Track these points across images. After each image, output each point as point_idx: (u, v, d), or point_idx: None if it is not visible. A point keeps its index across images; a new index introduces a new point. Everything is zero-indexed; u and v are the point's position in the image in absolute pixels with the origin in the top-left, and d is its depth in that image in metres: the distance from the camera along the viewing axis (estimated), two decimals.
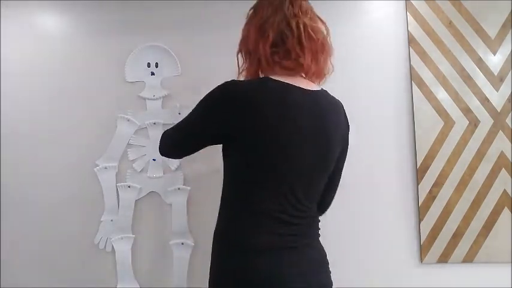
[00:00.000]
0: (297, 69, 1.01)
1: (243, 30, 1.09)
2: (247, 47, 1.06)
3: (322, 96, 1.04)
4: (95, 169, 1.53)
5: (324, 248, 1.06)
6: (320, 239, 1.06)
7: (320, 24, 1.06)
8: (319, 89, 1.06)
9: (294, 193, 0.97)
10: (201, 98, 1.03)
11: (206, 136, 1.03)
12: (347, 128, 1.12)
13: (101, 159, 1.54)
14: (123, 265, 1.51)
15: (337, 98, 1.10)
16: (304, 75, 1.04)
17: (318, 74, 1.06)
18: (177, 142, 1.10)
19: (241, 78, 1.08)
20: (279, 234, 0.95)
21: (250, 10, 1.09)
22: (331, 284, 1.03)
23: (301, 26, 1.00)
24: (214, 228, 1.04)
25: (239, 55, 1.10)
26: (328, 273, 1.04)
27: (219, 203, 1.04)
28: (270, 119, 0.93)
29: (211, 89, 1.00)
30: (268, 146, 0.93)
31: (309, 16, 1.03)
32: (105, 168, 1.53)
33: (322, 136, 0.99)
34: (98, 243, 1.52)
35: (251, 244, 0.94)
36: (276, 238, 0.94)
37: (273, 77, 0.98)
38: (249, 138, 0.94)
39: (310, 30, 1.01)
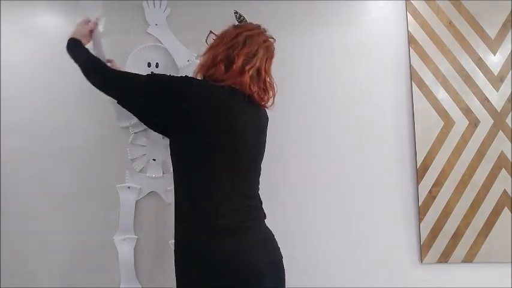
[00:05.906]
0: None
1: None
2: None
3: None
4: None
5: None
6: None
7: None
8: None
9: (244, 184, 1.14)
10: None
11: (148, 101, 1.14)
12: (267, 118, 1.27)
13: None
14: (126, 266, 1.51)
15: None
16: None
17: None
18: (116, 81, 1.22)
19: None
20: (235, 216, 1.08)
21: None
22: (282, 256, 1.16)
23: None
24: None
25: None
26: (279, 249, 1.17)
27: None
28: (222, 117, 1.09)
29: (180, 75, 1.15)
30: (222, 141, 1.09)
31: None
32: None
33: (258, 130, 1.20)
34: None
35: (213, 226, 1.06)
36: (233, 220, 1.08)
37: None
38: (202, 133, 1.08)
39: None
